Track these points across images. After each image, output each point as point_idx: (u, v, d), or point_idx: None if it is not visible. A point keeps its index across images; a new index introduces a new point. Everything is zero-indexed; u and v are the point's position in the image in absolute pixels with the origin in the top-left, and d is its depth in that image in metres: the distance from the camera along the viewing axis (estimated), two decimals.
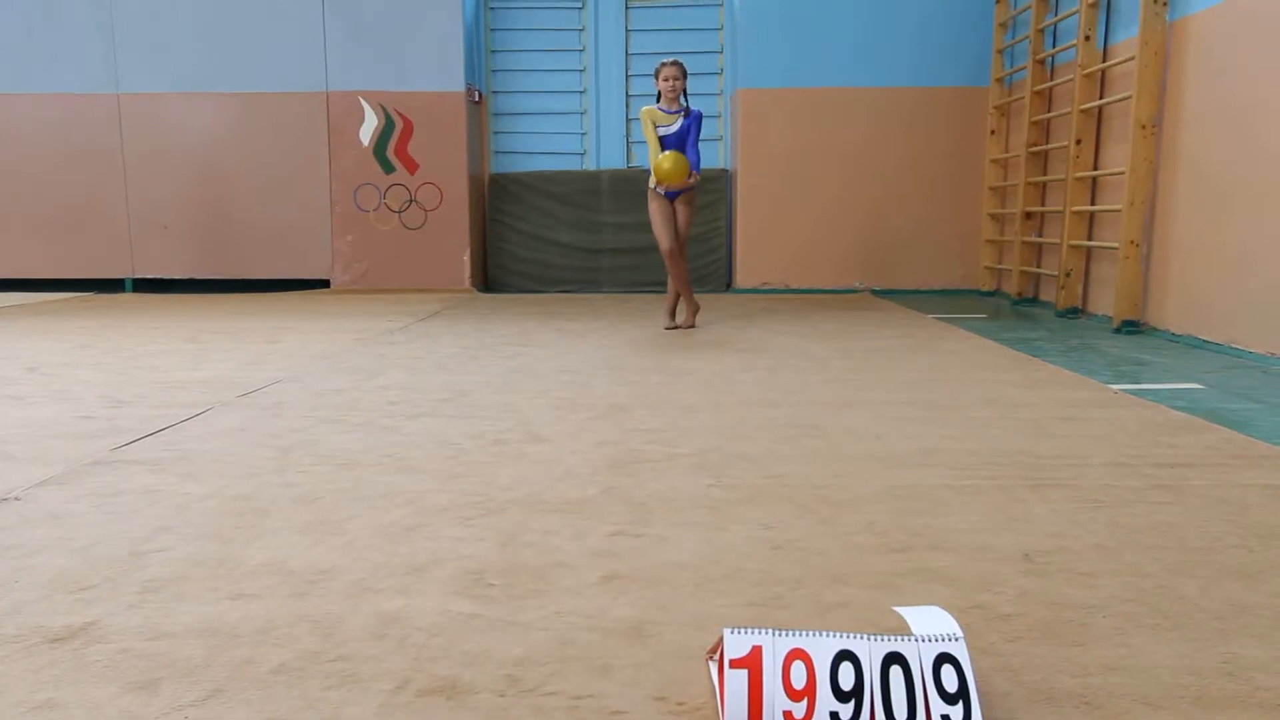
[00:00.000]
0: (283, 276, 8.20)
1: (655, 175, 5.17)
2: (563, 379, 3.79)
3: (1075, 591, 1.66)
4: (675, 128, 5.23)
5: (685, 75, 5.25)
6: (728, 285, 8.38)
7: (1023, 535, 1.94)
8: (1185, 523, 2.02)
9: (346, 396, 3.43)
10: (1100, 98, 5.85)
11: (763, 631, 1.22)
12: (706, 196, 7.86)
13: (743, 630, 1.22)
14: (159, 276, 8.23)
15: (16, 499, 2.19)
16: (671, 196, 5.30)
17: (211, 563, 1.79)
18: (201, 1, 7.87)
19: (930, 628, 1.25)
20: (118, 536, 1.93)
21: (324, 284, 8.24)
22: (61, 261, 8.17)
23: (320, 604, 1.60)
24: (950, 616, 1.29)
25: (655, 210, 5.34)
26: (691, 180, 5.20)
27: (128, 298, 7.72)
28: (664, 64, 5.21)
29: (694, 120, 5.25)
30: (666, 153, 5.13)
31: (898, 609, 1.36)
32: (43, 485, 2.30)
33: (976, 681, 1.21)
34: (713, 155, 8.52)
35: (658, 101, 5.28)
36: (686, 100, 5.30)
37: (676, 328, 5.49)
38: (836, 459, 2.55)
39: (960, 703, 1.18)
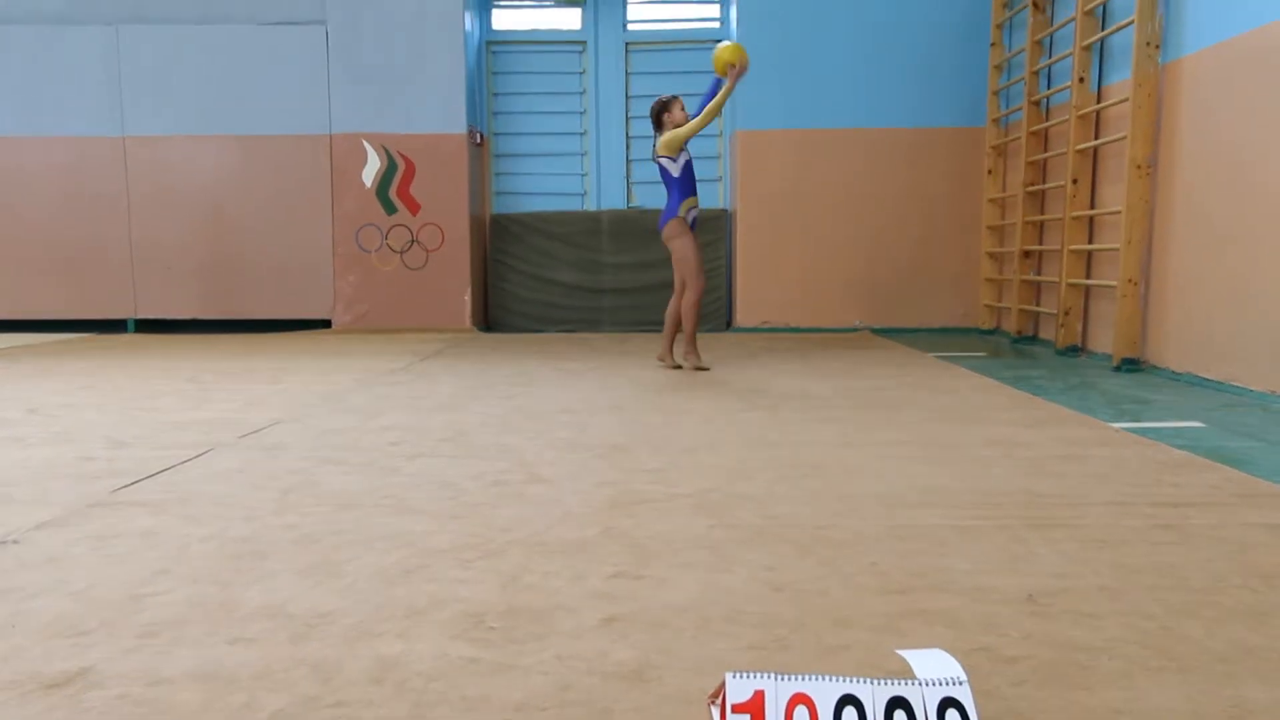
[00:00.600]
0: (285, 317, 8.23)
1: (725, 60, 5.17)
2: (563, 419, 3.79)
3: (1080, 633, 1.64)
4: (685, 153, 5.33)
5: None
6: (728, 324, 8.41)
7: (1026, 576, 1.93)
8: (1188, 563, 2.01)
9: (347, 437, 3.43)
10: (1095, 138, 5.91)
11: (765, 675, 1.21)
12: (707, 235, 7.90)
13: (745, 674, 1.21)
14: (161, 317, 8.26)
15: (15, 542, 2.18)
16: (695, 227, 5.37)
17: (210, 606, 1.78)
18: (206, 45, 7.99)
19: (934, 671, 1.24)
20: (116, 580, 1.92)
21: (325, 324, 8.27)
22: (64, 302, 8.21)
23: (319, 648, 1.59)
24: (954, 659, 1.28)
25: (691, 244, 5.34)
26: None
27: (130, 338, 7.74)
28: (674, 97, 5.33)
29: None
30: (722, 44, 5.29)
31: (901, 652, 1.36)
32: (41, 528, 2.29)
33: None
34: (712, 195, 8.59)
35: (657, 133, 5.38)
36: None
37: (679, 367, 5.49)
38: (837, 499, 2.54)
39: None
